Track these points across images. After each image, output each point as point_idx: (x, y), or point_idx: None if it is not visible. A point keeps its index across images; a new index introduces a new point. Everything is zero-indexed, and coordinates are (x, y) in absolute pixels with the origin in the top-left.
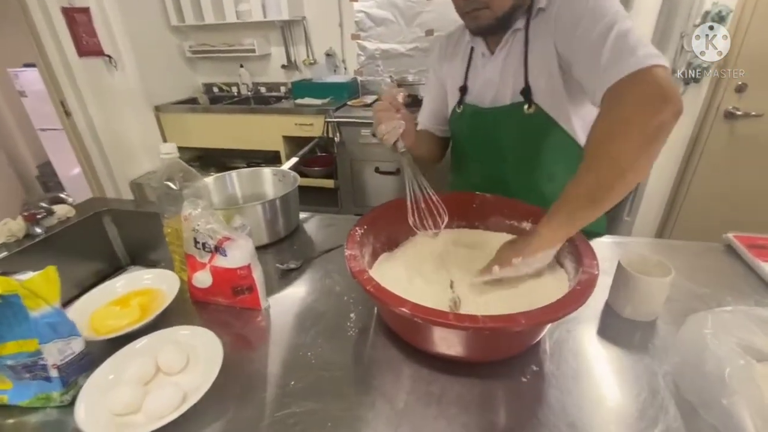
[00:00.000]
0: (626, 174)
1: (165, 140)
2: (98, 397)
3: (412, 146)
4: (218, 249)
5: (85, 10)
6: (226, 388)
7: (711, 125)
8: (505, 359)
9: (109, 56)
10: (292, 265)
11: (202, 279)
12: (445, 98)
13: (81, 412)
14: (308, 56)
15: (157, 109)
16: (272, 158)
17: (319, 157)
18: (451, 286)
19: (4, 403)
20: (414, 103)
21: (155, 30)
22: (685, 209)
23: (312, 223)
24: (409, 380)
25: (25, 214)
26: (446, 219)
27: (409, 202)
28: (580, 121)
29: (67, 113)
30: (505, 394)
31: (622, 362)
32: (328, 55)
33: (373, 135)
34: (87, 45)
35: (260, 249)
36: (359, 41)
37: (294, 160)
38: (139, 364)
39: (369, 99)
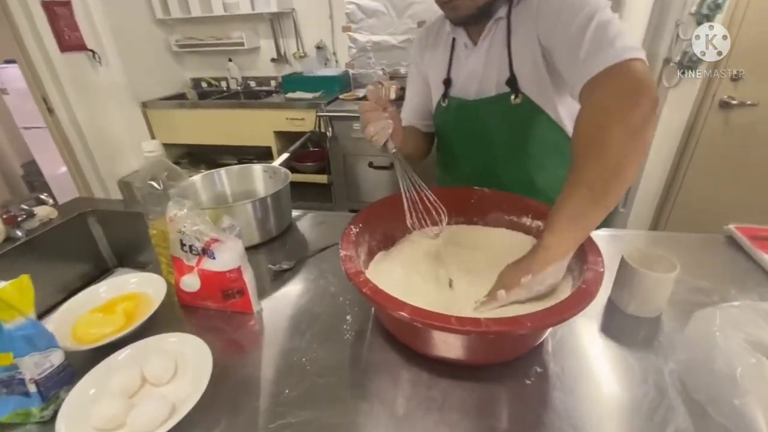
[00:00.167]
0: (621, 168)
1: (153, 137)
2: (80, 412)
3: (400, 144)
4: (206, 251)
5: (66, 4)
6: (217, 398)
7: (706, 115)
8: (507, 361)
9: (92, 51)
10: (285, 266)
11: (190, 283)
12: (428, 92)
13: (62, 427)
14: (298, 49)
15: (144, 105)
16: (263, 154)
17: (311, 152)
18: (450, 285)
19: None
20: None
21: (140, 23)
22: (681, 200)
23: (305, 221)
24: (409, 385)
25: (5, 216)
26: (446, 219)
27: (405, 203)
28: (565, 110)
29: (50, 110)
30: (509, 397)
31: (627, 360)
32: (318, 47)
33: (367, 136)
34: (69, 40)
35: (251, 249)
36: (350, 33)
37: (285, 155)
38: (124, 375)
39: (361, 92)
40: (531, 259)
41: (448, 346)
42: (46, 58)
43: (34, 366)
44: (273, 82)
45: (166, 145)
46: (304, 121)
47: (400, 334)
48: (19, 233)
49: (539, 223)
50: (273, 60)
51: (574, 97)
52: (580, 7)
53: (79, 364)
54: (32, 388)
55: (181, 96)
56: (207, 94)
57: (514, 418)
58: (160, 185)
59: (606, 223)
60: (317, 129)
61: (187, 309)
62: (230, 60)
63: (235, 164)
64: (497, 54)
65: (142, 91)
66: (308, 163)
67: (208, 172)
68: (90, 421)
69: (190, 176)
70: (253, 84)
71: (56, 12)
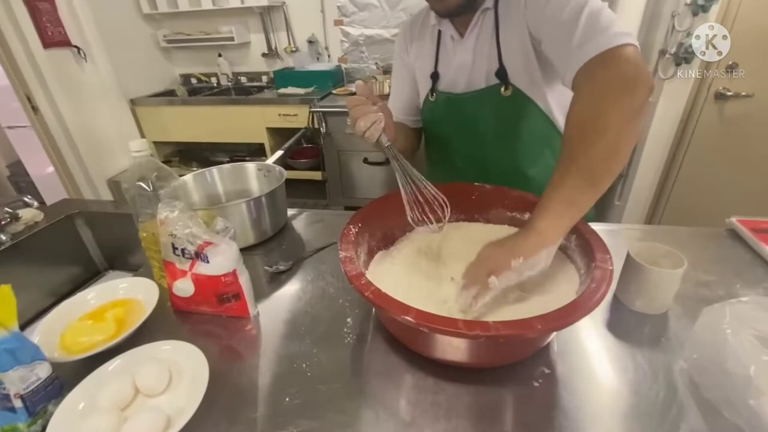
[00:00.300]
0: (617, 152)
1: (143, 135)
2: (70, 427)
3: (393, 139)
4: (199, 255)
5: None
6: (214, 408)
7: (702, 106)
8: (513, 363)
9: (77, 47)
10: (282, 267)
11: (184, 288)
12: (415, 87)
13: None
14: (290, 44)
15: (133, 102)
16: (256, 151)
17: (305, 148)
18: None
19: None
20: None
21: (126, 18)
22: (676, 192)
23: (300, 220)
24: (414, 390)
25: None
26: (449, 212)
27: (405, 198)
28: (555, 101)
29: (35, 109)
30: (518, 401)
31: (635, 359)
32: (310, 42)
33: (358, 132)
34: (52, 36)
35: (246, 250)
36: (342, 27)
37: (279, 153)
38: (116, 386)
39: (354, 87)
40: (522, 242)
41: (454, 349)
42: (29, 55)
43: (18, 380)
44: (264, 78)
45: (156, 144)
46: (297, 117)
47: (404, 338)
48: (3, 237)
49: None
50: (264, 55)
51: (566, 84)
52: None
53: (69, 375)
54: (18, 404)
55: (170, 93)
56: (197, 90)
57: (524, 422)
58: (149, 186)
59: (601, 217)
60: (311, 125)
61: (180, 314)
62: (220, 55)
63: (228, 162)
64: (485, 45)
65: (130, 88)
66: (302, 160)
67: (200, 171)
68: None
69: (181, 176)
70: (244, 80)
71: (38, 7)
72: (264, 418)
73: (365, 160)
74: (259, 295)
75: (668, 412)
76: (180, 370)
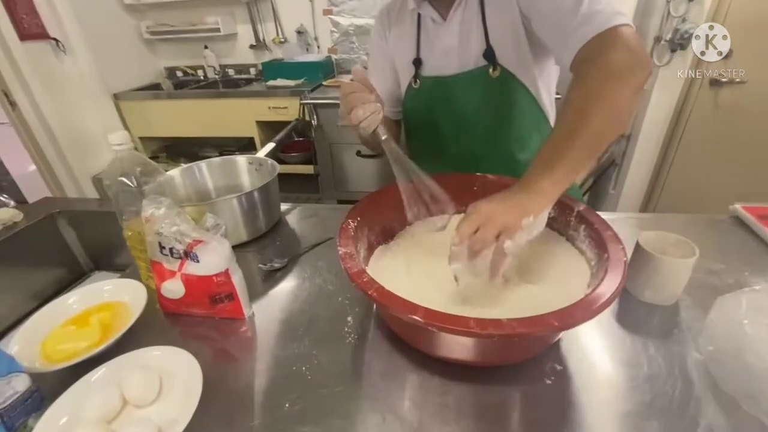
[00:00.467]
0: (620, 122)
1: (128, 131)
2: None
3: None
4: (189, 254)
5: None
6: (209, 417)
7: (697, 93)
8: (523, 360)
9: (55, 39)
10: (277, 265)
11: (173, 289)
12: (395, 77)
13: None
14: (278, 34)
15: (116, 97)
16: (246, 145)
17: (296, 142)
18: (456, 279)
19: None
20: None
21: (107, 9)
22: (671, 180)
23: (294, 215)
24: (420, 392)
25: None
26: (453, 210)
27: (404, 195)
28: (543, 83)
29: (13, 105)
30: (530, 399)
31: (648, 352)
32: (299, 32)
33: (354, 121)
34: (29, 27)
35: (239, 248)
36: (332, 17)
37: (270, 146)
38: (101, 397)
39: (346, 78)
40: (525, 200)
41: (462, 347)
42: (5, 48)
43: None
44: (253, 70)
45: (142, 139)
46: (288, 110)
47: (408, 336)
48: None
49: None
50: (252, 46)
51: (564, 64)
52: None
53: (51, 386)
54: None
55: (155, 86)
56: (183, 83)
57: (538, 422)
58: (132, 182)
59: (595, 206)
60: (301, 117)
61: (170, 317)
62: (206, 47)
63: (218, 157)
64: (472, 27)
65: (113, 82)
66: (293, 154)
67: (188, 165)
68: None
69: (167, 171)
70: (231, 72)
71: None
72: (262, 427)
73: (358, 153)
74: (254, 295)
75: (686, 407)
76: (171, 378)
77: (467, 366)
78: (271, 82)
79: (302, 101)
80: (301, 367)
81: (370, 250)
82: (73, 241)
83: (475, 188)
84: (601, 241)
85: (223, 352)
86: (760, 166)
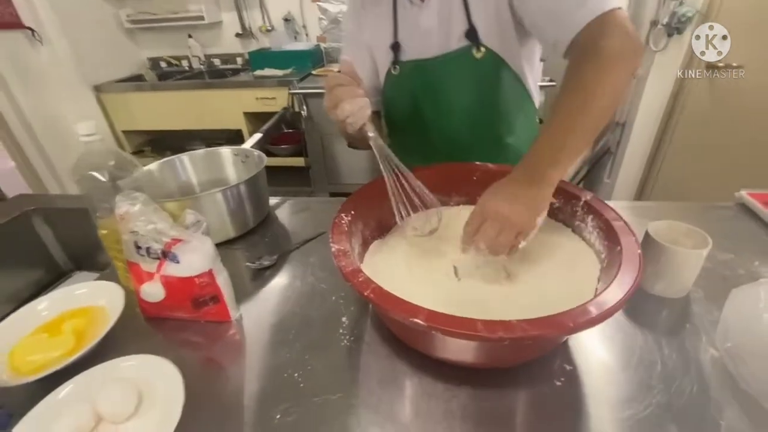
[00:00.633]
0: (614, 108)
1: (111, 124)
2: None
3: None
4: (167, 254)
5: None
6: (193, 431)
7: (693, 79)
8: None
9: (30, 29)
10: (266, 262)
11: (152, 292)
12: (373, 65)
13: None
14: (264, 22)
15: (98, 89)
16: (234, 138)
17: (286, 133)
18: (456, 274)
19: None
20: None
21: None
22: (665, 167)
23: (284, 210)
24: (423, 398)
25: None
26: (441, 218)
27: (392, 197)
28: (528, 64)
29: None
30: (540, 402)
31: (662, 349)
32: (286, 20)
33: (340, 116)
34: (1, 16)
35: (225, 245)
36: (320, 3)
37: (258, 136)
38: (73, 414)
39: (335, 67)
40: (537, 195)
41: (468, 350)
42: None
43: None
44: (239, 60)
45: (125, 133)
46: (276, 101)
47: (408, 338)
48: None
49: (553, 200)
50: (238, 35)
51: (558, 50)
52: None
53: (19, 401)
54: None
55: (138, 78)
56: (167, 74)
57: (550, 426)
58: (105, 176)
59: None
60: (290, 107)
61: (152, 321)
62: (190, 36)
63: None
64: (452, 5)
65: (94, 73)
66: (283, 146)
67: (168, 158)
68: None
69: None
70: (217, 62)
71: None
72: None
73: (350, 144)
74: (242, 296)
75: (705, 408)
76: (151, 390)
77: (473, 369)
78: (258, 72)
79: (291, 91)
80: (293, 374)
81: (365, 245)
82: (50, 240)
83: (474, 178)
84: (611, 232)
85: (208, 360)
86: (756, 153)
